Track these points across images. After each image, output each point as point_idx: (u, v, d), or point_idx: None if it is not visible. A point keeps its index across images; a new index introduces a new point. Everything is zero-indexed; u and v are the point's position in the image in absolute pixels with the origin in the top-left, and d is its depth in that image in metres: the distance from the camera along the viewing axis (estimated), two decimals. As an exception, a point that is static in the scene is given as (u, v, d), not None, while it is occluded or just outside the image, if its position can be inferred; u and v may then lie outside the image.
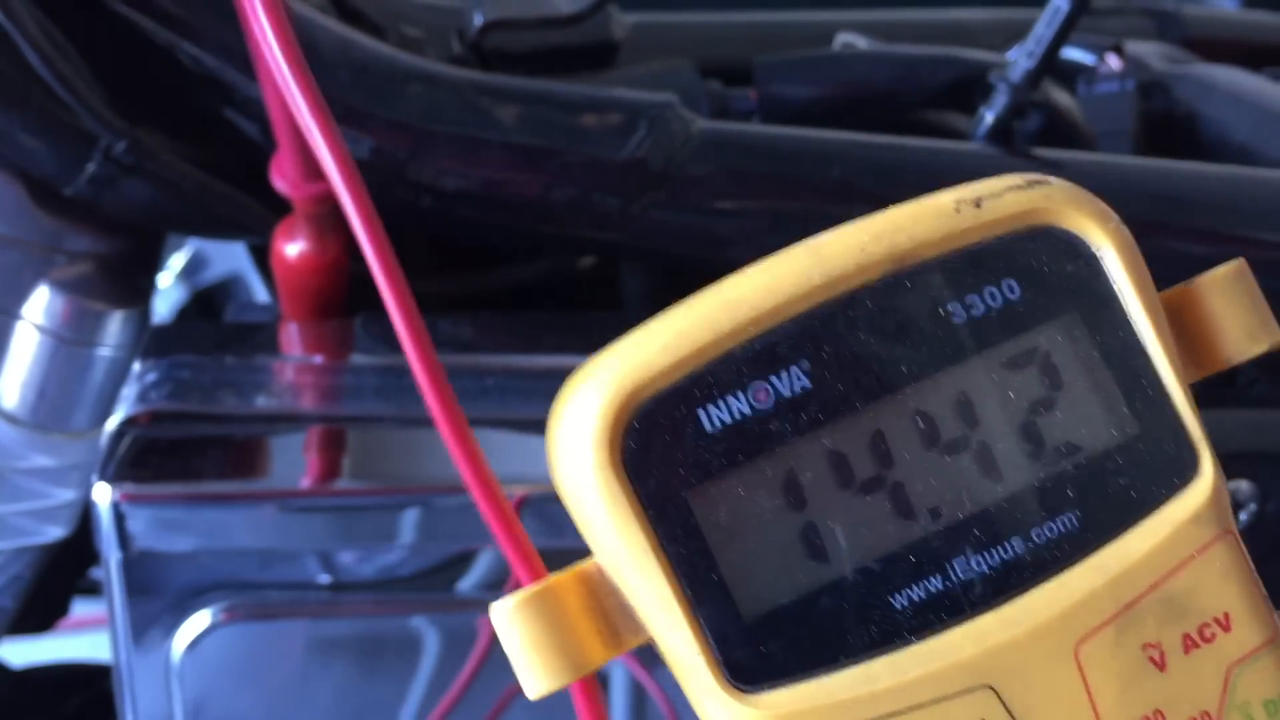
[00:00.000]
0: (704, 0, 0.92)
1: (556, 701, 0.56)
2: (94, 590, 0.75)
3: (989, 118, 0.67)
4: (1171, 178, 0.66)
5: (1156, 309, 0.33)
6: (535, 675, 0.31)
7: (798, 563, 0.31)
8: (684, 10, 0.86)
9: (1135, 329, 0.33)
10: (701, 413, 0.31)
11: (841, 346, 0.31)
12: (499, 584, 0.55)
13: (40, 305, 0.59)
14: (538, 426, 0.55)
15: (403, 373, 0.59)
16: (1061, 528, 0.32)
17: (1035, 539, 0.31)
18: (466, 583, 0.55)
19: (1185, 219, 0.64)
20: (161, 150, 0.58)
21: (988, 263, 0.32)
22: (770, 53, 0.77)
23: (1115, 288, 0.33)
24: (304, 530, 0.53)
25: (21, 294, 0.59)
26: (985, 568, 0.31)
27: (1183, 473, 0.32)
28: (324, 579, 0.54)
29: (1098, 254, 0.33)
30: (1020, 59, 0.67)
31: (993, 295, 0.32)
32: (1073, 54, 0.79)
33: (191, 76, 0.59)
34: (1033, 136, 0.72)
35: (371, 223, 0.37)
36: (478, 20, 0.74)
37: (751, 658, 0.30)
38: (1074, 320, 0.32)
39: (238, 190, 0.61)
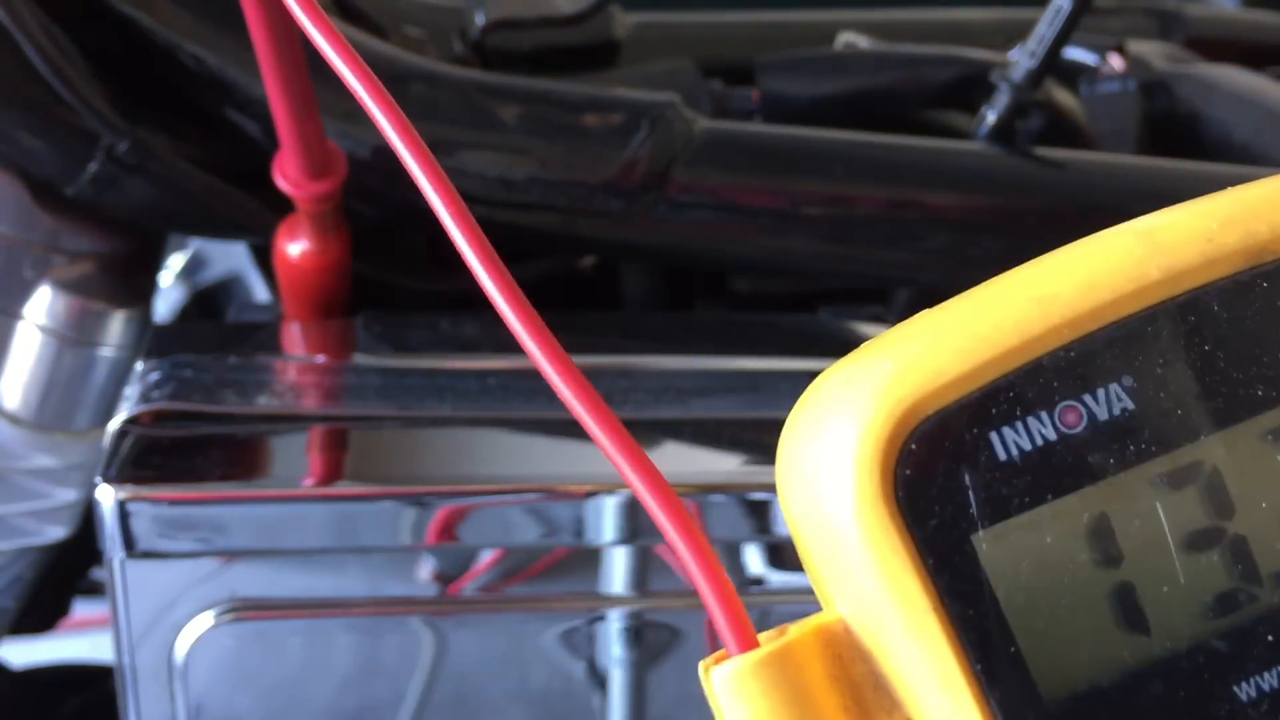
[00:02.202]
0: (706, 0, 0.92)
1: (555, 701, 0.56)
2: (94, 590, 0.75)
3: (991, 117, 0.67)
4: (1173, 178, 0.66)
5: None
6: None
7: (1113, 634, 0.24)
8: (686, 10, 0.86)
9: None
10: (996, 436, 0.24)
11: (1176, 360, 0.25)
12: (500, 584, 0.55)
13: (42, 305, 0.59)
14: (539, 426, 0.56)
15: (404, 373, 0.59)
16: None
17: None
18: (468, 583, 0.55)
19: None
20: (164, 150, 0.58)
21: None
22: (772, 52, 0.77)
23: None
24: (307, 530, 0.53)
25: (23, 294, 0.59)
26: None
27: None
28: (327, 579, 0.54)
29: None
30: (1022, 58, 0.66)
31: None
32: (1075, 54, 0.78)
33: (194, 76, 0.59)
34: (1035, 136, 0.72)
35: (460, 211, 0.32)
36: (479, 20, 0.74)
37: None
38: None
39: (240, 190, 0.61)
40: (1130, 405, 0.24)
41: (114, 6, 0.58)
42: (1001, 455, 0.24)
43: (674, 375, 0.60)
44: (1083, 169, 0.66)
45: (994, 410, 0.24)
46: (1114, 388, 0.25)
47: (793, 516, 0.25)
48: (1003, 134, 0.67)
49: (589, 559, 0.55)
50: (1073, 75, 0.78)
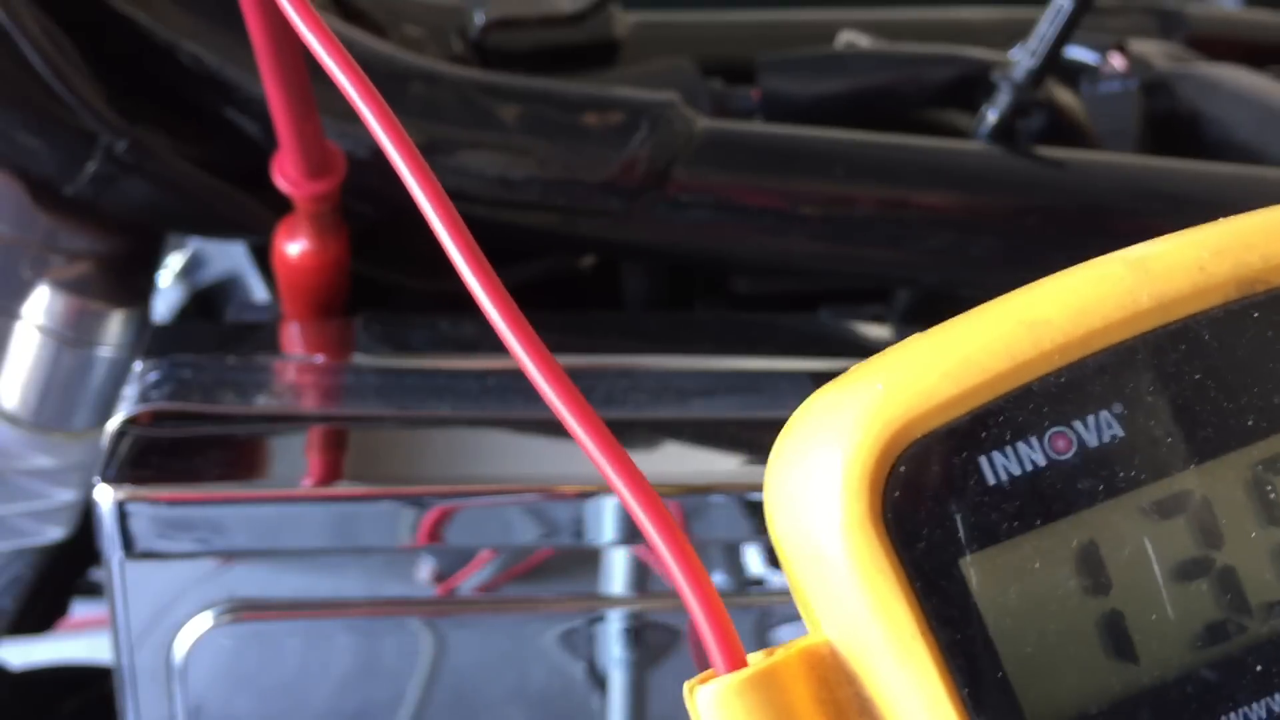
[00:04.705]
0: (706, -1, 0.92)
1: (555, 701, 0.56)
2: (92, 591, 0.75)
3: (992, 116, 0.67)
4: (1175, 177, 0.66)
5: None
6: None
7: (1101, 662, 0.24)
8: (686, 9, 0.86)
9: None
10: (985, 461, 0.24)
11: (1167, 388, 0.25)
12: (498, 584, 0.55)
13: (40, 305, 0.59)
14: (539, 427, 0.55)
15: (404, 373, 0.59)
16: None
17: None
18: (466, 583, 0.55)
19: (1189, 219, 0.64)
20: (162, 149, 0.58)
21: None
22: (772, 51, 0.77)
23: None
24: (306, 530, 0.53)
25: (21, 294, 0.59)
26: None
27: None
28: (326, 580, 0.54)
29: None
30: (1023, 58, 0.66)
31: None
32: (1076, 53, 0.78)
33: (192, 75, 0.59)
34: (1036, 135, 0.72)
35: (445, 206, 0.31)
36: (479, 19, 0.73)
37: None
38: None
39: (239, 189, 0.61)
40: (1120, 433, 0.24)
41: (113, 6, 0.57)
42: (991, 480, 0.24)
43: (674, 375, 0.60)
44: (1084, 168, 0.66)
45: (984, 434, 0.24)
46: (1104, 415, 0.25)
47: (779, 537, 0.25)
48: (1004, 133, 0.67)
49: (589, 559, 0.55)
50: (1074, 74, 0.78)
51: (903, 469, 0.24)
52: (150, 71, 0.60)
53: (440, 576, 0.55)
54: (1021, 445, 0.24)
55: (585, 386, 0.58)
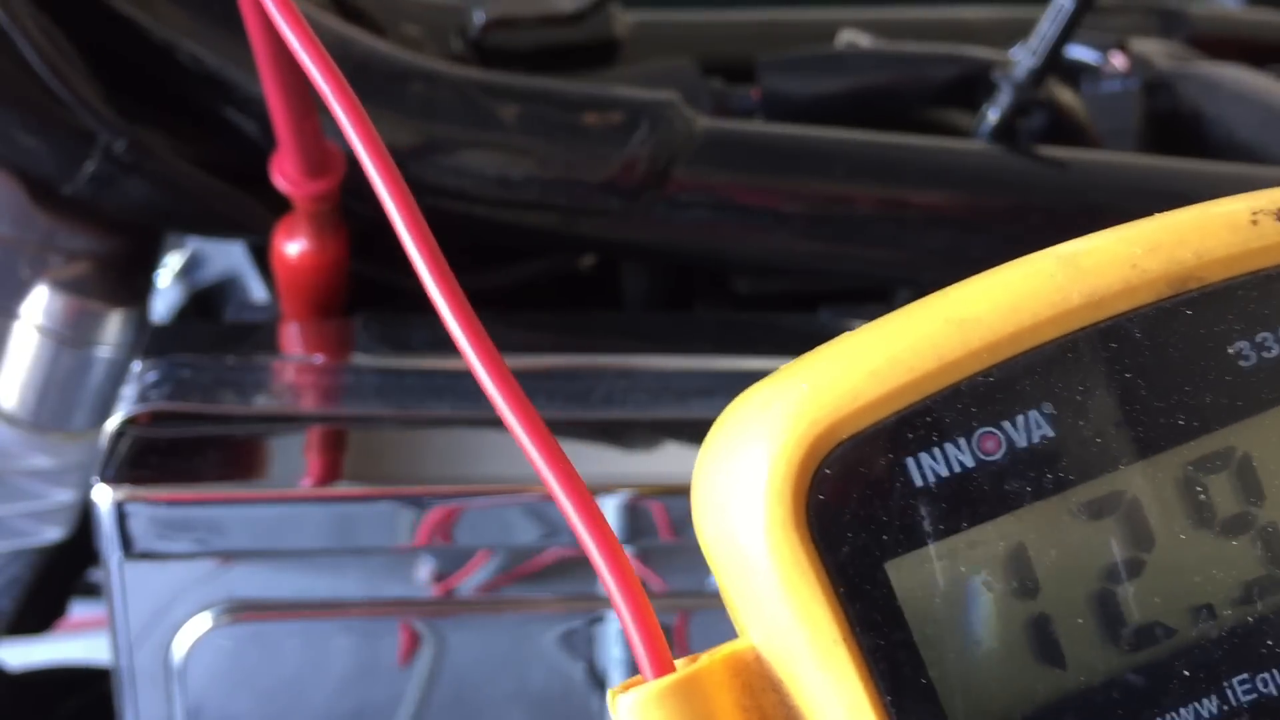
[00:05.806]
0: (706, -2, 0.92)
1: (555, 702, 0.56)
2: (91, 591, 0.75)
3: (993, 116, 0.67)
4: (1176, 177, 0.66)
5: None
6: None
7: (1027, 667, 0.24)
8: (686, 8, 0.86)
9: None
10: (912, 462, 0.24)
11: (1098, 387, 0.24)
12: (498, 584, 0.55)
13: (39, 305, 0.59)
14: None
15: (403, 373, 0.59)
16: None
17: None
18: (466, 583, 0.55)
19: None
20: (161, 149, 0.58)
21: None
22: (773, 50, 0.77)
23: None
24: (305, 531, 0.53)
25: (20, 293, 0.59)
26: (1277, 689, 0.24)
27: None
28: (325, 580, 0.54)
29: None
30: (1024, 57, 0.66)
31: None
32: (1077, 52, 0.78)
33: (191, 75, 0.59)
34: (1037, 135, 0.72)
35: (411, 212, 0.31)
36: (479, 18, 0.73)
37: None
38: None
39: (238, 189, 0.61)
40: (1050, 433, 0.24)
41: (112, 6, 0.57)
42: (918, 481, 0.24)
43: (674, 375, 0.60)
44: (1085, 168, 0.66)
45: (910, 435, 0.24)
46: (1033, 415, 0.24)
47: (706, 541, 0.25)
48: (1004, 133, 0.67)
49: (588, 560, 0.55)
50: (1075, 74, 0.78)
51: (827, 471, 0.24)
52: (150, 71, 0.59)
53: (440, 577, 0.54)
54: (949, 446, 0.24)
55: (585, 387, 0.58)
